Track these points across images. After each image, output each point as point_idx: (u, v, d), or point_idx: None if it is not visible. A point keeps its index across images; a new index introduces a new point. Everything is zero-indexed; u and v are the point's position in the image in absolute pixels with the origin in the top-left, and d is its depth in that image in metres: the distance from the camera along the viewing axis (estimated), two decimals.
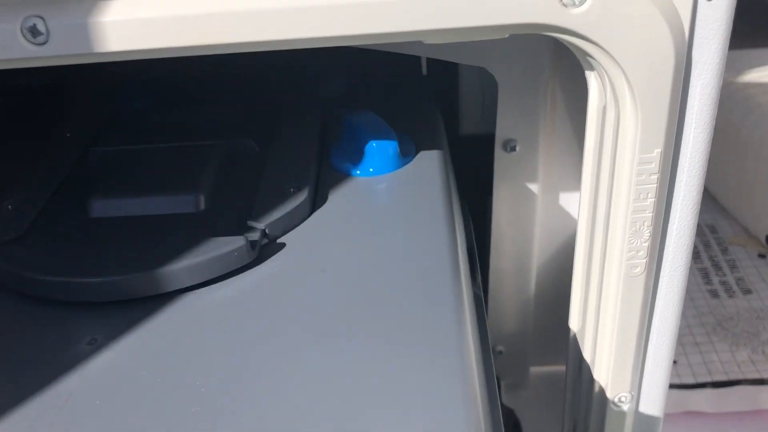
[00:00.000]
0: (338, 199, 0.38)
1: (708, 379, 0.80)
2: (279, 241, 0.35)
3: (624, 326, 0.35)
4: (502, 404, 0.60)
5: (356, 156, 0.40)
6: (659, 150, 0.30)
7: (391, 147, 0.40)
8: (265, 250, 0.34)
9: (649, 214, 0.32)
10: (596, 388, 0.38)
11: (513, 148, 0.50)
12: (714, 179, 0.99)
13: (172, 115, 0.46)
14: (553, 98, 0.48)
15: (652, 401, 0.39)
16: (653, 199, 0.31)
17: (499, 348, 0.61)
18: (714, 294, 0.92)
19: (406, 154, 0.41)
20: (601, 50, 0.28)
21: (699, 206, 0.33)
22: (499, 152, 0.50)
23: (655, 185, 0.31)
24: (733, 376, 0.80)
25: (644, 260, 0.33)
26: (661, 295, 0.35)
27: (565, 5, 0.27)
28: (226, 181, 0.39)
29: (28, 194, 0.39)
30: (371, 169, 0.40)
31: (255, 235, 0.34)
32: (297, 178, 0.38)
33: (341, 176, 0.40)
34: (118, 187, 0.38)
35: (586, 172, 0.33)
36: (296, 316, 0.30)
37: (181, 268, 0.31)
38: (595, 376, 0.38)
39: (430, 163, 0.40)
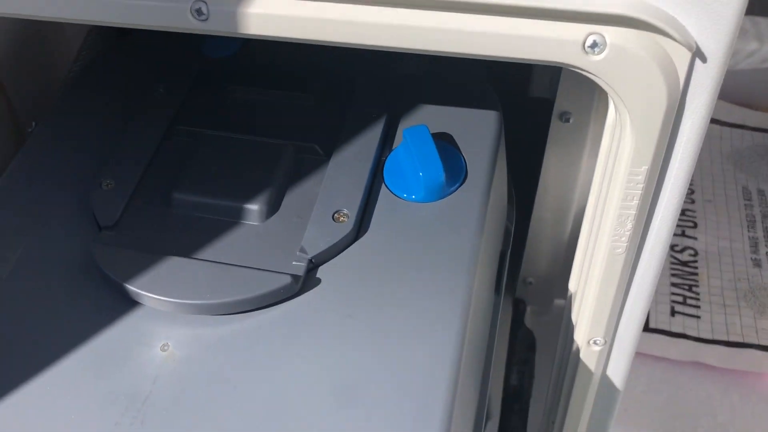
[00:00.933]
0: (380, 226, 0.43)
1: (724, 338, 0.89)
2: (321, 268, 0.41)
3: (604, 290, 0.45)
4: (524, 325, 0.72)
5: (405, 178, 0.44)
6: (646, 167, 0.39)
7: (436, 180, 0.43)
8: (305, 279, 0.41)
9: (632, 212, 0.41)
10: (578, 330, 0.49)
11: (567, 120, 0.59)
12: None
13: (250, 93, 0.50)
14: None
15: (623, 349, 0.49)
16: (637, 202, 0.40)
17: (530, 279, 0.72)
18: (757, 263, 0.98)
19: (452, 182, 0.44)
20: (611, 89, 0.37)
21: (678, 212, 0.41)
22: (555, 121, 0.59)
23: (640, 192, 0.40)
24: (747, 340, 0.88)
25: (625, 245, 0.42)
26: (638, 272, 0.44)
27: (586, 52, 0.36)
28: (288, 191, 0.45)
29: (122, 171, 0.45)
30: (414, 197, 0.44)
31: (300, 269, 0.40)
32: (349, 198, 0.43)
33: (388, 196, 0.44)
34: (198, 182, 0.44)
35: (598, 167, 0.42)
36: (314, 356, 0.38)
37: (234, 302, 0.40)
38: (579, 321, 0.48)
39: (473, 192, 0.44)
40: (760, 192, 1.08)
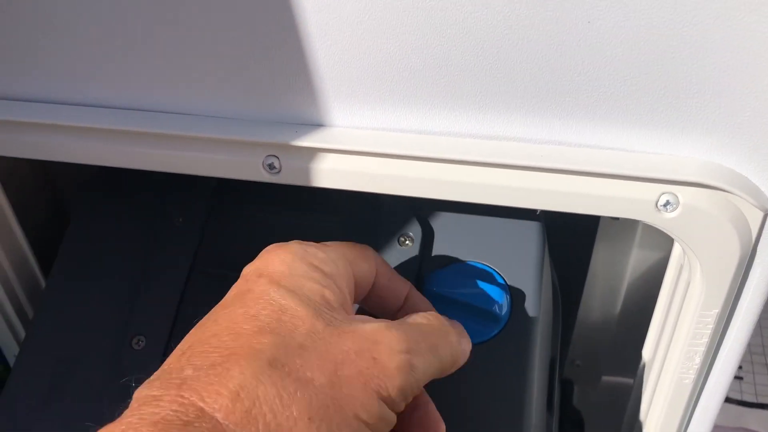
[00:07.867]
0: None
1: None
2: None
3: (670, 414, 0.45)
4: (572, 405, 0.72)
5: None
6: (716, 311, 0.39)
7: (478, 325, 0.40)
8: None
9: (701, 349, 0.41)
10: None
11: (616, 218, 0.59)
12: None
13: (272, 215, 0.46)
14: None
15: None
16: (707, 340, 0.41)
17: (578, 362, 0.72)
18: None
19: (496, 322, 0.41)
20: (684, 243, 0.37)
21: (745, 346, 0.42)
22: (604, 218, 0.59)
23: (709, 332, 0.40)
24: None
25: (693, 376, 0.43)
26: (704, 396, 0.45)
27: (659, 210, 0.36)
28: None
29: (152, 326, 0.42)
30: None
31: None
32: None
33: None
34: None
35: (659, 304, 0.43)
36: None
37: None
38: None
39: (522, 330, 0.41)
40: None
